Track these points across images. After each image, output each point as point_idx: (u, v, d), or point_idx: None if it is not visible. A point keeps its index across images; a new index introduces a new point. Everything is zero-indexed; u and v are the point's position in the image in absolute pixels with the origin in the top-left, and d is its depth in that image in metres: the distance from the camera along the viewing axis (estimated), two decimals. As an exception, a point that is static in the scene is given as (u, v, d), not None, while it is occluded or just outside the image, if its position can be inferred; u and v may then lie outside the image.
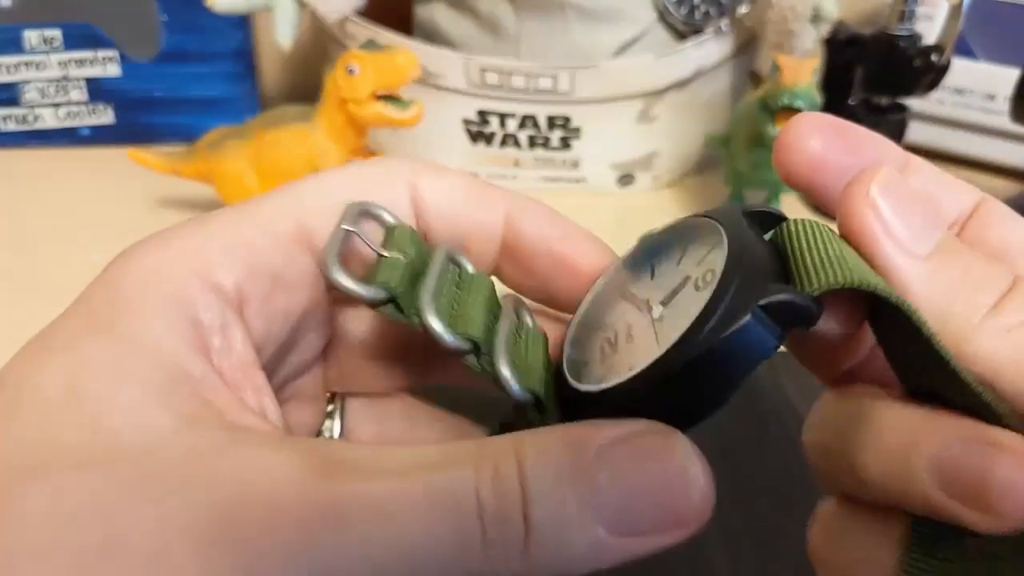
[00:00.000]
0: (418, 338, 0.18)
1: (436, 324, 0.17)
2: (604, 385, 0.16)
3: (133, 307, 0.15)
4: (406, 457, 0.14)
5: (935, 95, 0.52)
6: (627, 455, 0.14)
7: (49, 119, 0.57)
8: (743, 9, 0.51)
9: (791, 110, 0.44)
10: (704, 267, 0.17)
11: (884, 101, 0.51)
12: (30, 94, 0.56)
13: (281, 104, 0.45)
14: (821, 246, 0.17)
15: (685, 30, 0.52)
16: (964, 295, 0.16)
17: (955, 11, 0.50)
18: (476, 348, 0.18)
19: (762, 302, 0.15)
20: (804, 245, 0.17)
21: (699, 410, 0.16)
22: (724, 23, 0.51)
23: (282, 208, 0.18)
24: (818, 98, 0.48)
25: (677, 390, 0.15)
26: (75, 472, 0.13)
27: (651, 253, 0.20)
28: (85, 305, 0.16)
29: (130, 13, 0.55)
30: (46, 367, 0.14)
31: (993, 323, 0.16)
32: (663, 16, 0.52)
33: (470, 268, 0.20)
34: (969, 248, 0.17)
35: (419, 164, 0.20)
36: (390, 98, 0.40)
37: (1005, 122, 0.52)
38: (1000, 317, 0.16)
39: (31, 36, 0.55)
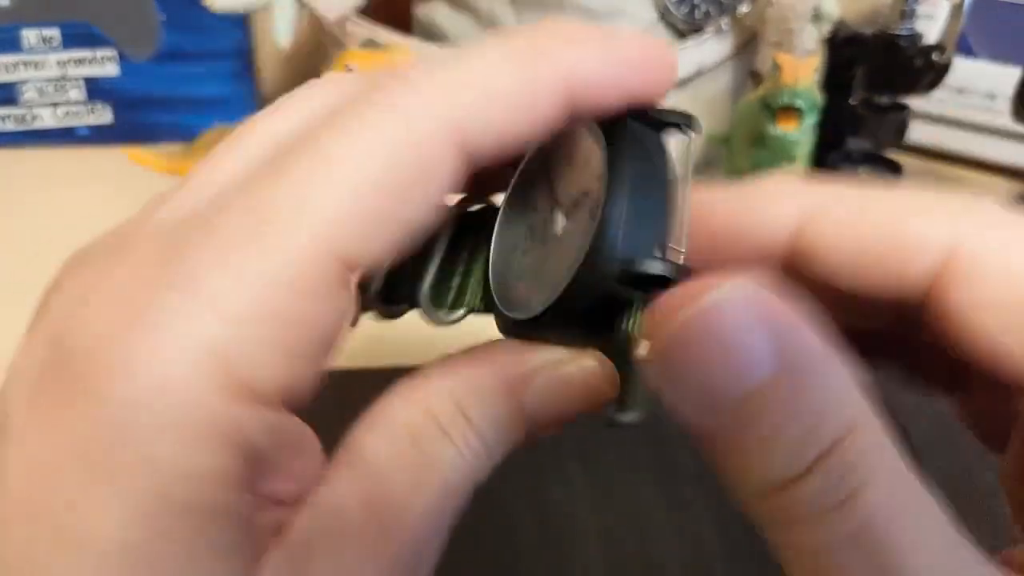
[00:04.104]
0: None
1: (430, 313, 0.18)
2: (516, 316, 0.17)
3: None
4: (404, 461, 0.15)
5: (936, 94, 0.52)
6: (546, 383, 0.16)
7: (47, 118, 0.57)
8: (743, 8, 0.51)
9: (791, 109, 0.43)
10: (600, 184, 0.16)
11: (885, 100, 0.51)
12: (28, 93, 0.56)
13: (280, 103, 0.45)
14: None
15: (685, 29, 0.52)
16: (744, 467, 0.14)
17: (956, 10, 0.49)
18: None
19: (621, 271, 0.15)
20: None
21: (600, 326, 0.16)
22: (724, 22, 0.50)
23: (310, 240, 0.13)
24: (818, 97, 0.47)
25: (572, 325, 0.17)
26: None
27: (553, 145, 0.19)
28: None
29: (129, 12, 0.55)
30: None
31: (759, 509, 0.14)
32: (663, 15, 0.52)
33: (483, 205, 0.20)
34: (800, 396, 0.13)
35: (460, 100, 0.15)
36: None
37: (1007, 121, 0.51)
38: (766, 508, 0.14)
39: (29, 35, 0.55)
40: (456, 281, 0.19)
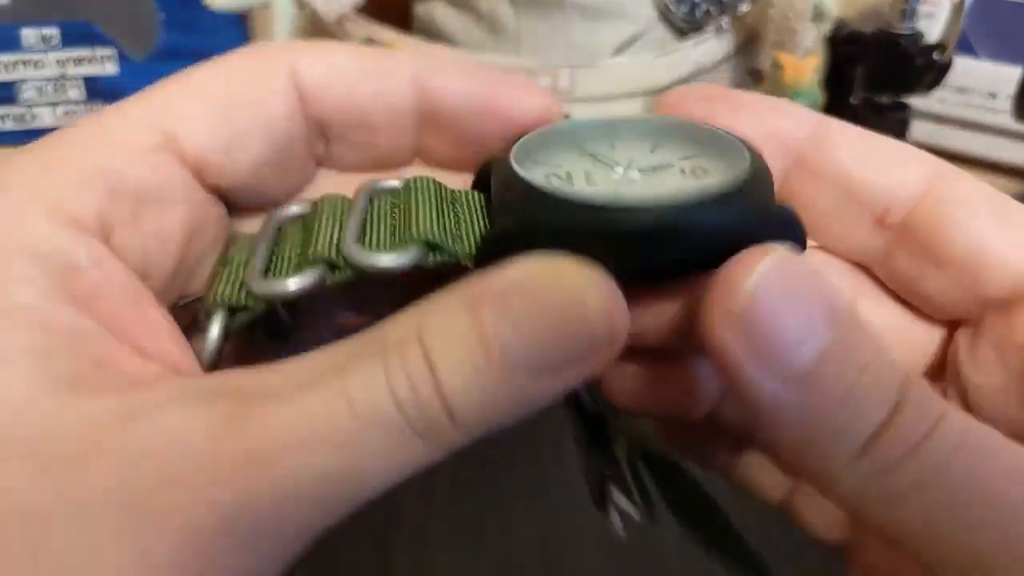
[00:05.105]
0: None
1: (364, 257, 0.15)
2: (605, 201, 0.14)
3: None
4: (315, 367, 0.14)
5: (937, 94, 0.52)
6: (520, 302, 0.14)
7: (47, 118, 0.57)
8: (744, 7, 0.51)
9: (792, 108, 0.43)
10: (694, 163, 0.16)
11: (886, 100, 0.51)
12: (28, 93, 0.56)
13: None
14: None
15: (686, 28, 0.52)
16: (832, 430, 0.13)
17: (957, 9, 0.49)
18: (431, 247, 0.16)
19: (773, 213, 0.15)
20: None
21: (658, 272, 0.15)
22: (725, 21, 0.50)
23: (141, 118, 0.16)
24: (819, 96, 0.47)
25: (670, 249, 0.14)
26: None
27: (611, 132, 0.18)
28: None
29: (128, 11, 0.55)
30: None
31: (857, 468, 0.13)
32: (664, 14, 0.52)
33: (395, 183, 0.17)
34: (862, 347, 0.14)
35: (301, 44, 0.18)
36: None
37: (1007, 121, 0.51)
38: (868, 460, 0.13)
39: (29, 34, 0.54)
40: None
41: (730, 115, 0.17)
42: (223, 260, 0.17)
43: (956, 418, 0.13)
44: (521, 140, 0.17)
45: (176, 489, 0.12)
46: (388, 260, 0.15)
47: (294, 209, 0.18)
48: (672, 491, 0.18)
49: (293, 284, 0.16)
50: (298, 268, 0.16)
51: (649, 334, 0.17)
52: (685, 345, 0.18)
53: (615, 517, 0.17)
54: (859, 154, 0.17)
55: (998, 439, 0.13)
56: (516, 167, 0.16)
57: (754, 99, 0.18)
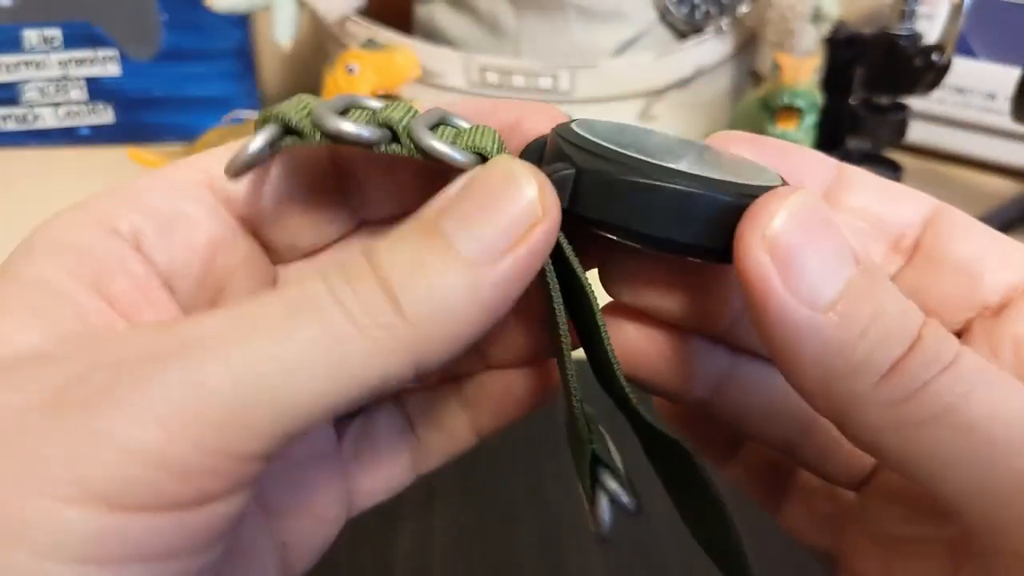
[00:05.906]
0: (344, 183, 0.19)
1: (427, 137, 0.16)
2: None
3: (31, 255, 0.16)
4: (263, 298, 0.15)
5: (936, 94, 0.52)
6: (459, 191, 0.15)
7: (49, 119, 0.57)
8: (743, 8, 0.51)
9: (791, 109, 0.43)
10: (736, 166, 0.18)
11: (885, 100, 0.51)
12: (30, 93, 0.56)
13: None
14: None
15: (686, 29, 0.52)
16: (857, 357, 0.14)
17: (956, 10, 0.49)
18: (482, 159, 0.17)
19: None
20: None
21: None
22: (724, 22, 0.51)
23: (186, 163, 0.18)
24: (818, 97, 0.48)
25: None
26: None
27: (651, 132, 0.19)
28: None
29: (130, 12, 0.55)
30: None
31: (880, 396, 0.14)
32: (664, 15, 0.52)
33: (465, 123, 0.18)
34: (883, 285, 0.15)
35: None
36: (390, 98, 0.40)
37: (1006, 121, 0.51)
38: (889, 389, 0.14)
39: (31, 35, 0.55)
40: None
41: (776, 158, 0.19)
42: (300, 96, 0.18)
43: (972, 357, 0.14)
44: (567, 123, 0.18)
45: (115, 381, 0.13)
46: (445, 149, 0.16)
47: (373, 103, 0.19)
48: (674, 472, 0.18)
49: (352, 126, 0.16)
50: (364, 123, 0.17)
51: (669, 307, 0.19)
52: (696, 325, 0.19)
53: (604, 504, 0.17)
54: (876, 191, 0.19)
55: (1012, 379, 0.14)
56: (576, 128, 0.17)
57: (788, 145, 0.20)
